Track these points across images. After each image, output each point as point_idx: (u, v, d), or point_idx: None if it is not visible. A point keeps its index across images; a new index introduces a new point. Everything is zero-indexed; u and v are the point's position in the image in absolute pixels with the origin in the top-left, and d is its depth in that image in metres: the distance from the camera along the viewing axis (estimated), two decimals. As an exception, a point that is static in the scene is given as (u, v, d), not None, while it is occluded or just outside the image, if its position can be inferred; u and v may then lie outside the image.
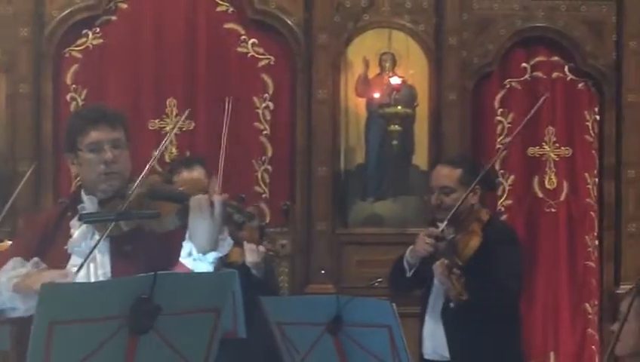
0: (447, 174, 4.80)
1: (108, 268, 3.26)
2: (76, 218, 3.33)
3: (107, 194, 3.32)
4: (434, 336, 4.75)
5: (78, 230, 3.32)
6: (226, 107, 5.24)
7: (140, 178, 3.25)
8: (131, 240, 3.25)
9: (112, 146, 3.34)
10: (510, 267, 4.68)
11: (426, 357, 4.81)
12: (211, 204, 3.08)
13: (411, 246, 4.76)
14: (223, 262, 4.70)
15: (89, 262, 3.17)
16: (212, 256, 3.09)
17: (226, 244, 3.18)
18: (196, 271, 3.02)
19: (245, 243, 4.82)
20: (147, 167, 3.28)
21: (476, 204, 4.80)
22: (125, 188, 3.30)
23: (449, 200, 4.72)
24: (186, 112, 5.68)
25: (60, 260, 3.28)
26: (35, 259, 3.27)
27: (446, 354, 4.70)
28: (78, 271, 3.11)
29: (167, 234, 3.21)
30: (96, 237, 3.22)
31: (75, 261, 3.25)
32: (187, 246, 3.08)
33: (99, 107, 3.60)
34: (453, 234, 4.65)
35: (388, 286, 5.04)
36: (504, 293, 4.63)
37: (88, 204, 3.35)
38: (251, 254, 4.79)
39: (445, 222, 4.63)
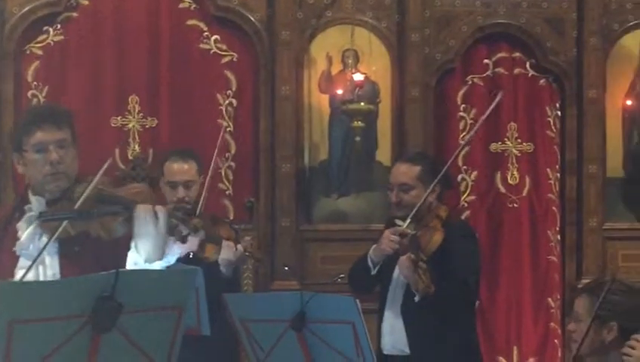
0: (405, 171, 4.81)
1: (57, 270, 3.24)
2: (23, 220, 3.30)
3: (54, 195, 3.30)
4: (393, 331, 4.77)
5: (25, 232, 3.30)
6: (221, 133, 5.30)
7: (92, 183, 3.23)
8: (79, 243, 3.23)
9: (57, 146, 3.32)
10: (468, 262, 4.73)
11: (385, 352, 4.82)
12: (155, 215, 3.09)
13: (374, 245, 4.77)
14: (197, 258, 4.74)
15: (38, 263, 3.15)
16: (158, 265, 3.09)
17: (171, 254, 3.18)
18: None
19: (224, 240, 4.84)
20: (99, 173, 3.26)
21: (434, 202, 4.83)
22: (73, 188, 3.28)
23: (408, 197, 4.75)
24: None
25: (8, 262, 3.26)
26: None
27: (406, 349, 4.72)
28: (26, 273, 3.09)
29: (115, 241, 3.20)
30: (44, 239, 3.20)
31: (23, 263, 3.23)
32: (132, 256, 3.08)
33: (45, 107, 3.56)
34: (414, 231, 4.67)
35: (349, 286, 5.05)
36: (464, 288, 4.66)
37: (36, 204, 3.33)
38: (227, 251, 4.81)
39: (409, 220, 4.66)
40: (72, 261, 3.22)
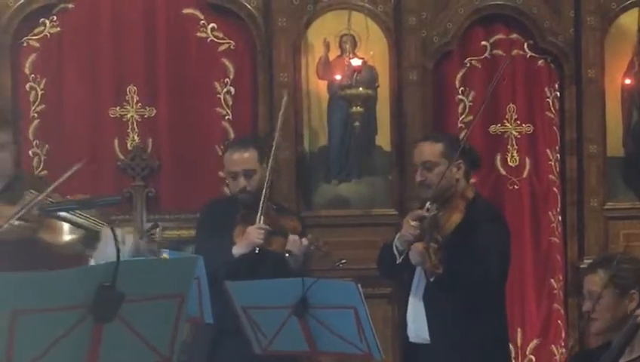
0: (428, 149, 4.74)
1: None
2: None
3: None
4: (416, 319, 4.71)
5: None
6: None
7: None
8: (17, 245, 3.22)
9: None
10: (492, 245, 4.60)
11: (411, 340, 4.77)
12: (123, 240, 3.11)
13: (399, 233, 4.70)
14: (263, 252, 4.74)
15: None
16: None
17: None
18: None
19: (290, 234, 4.82)
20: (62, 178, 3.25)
21: (461, 180, 4.76)
22: (13, 188, 3.28)
23: (432, 175, 4.67)
24: None
25: None
26: None
27: (428, 337, 4.67)
28: None
29: (64, 256, 3.20)
30: None
31: None
32: None
33: None
34: (436, 211, 4.61)
35: (378, 273, 5.01)
36: (483, 272, 4.54)
37: None
38: (292, 245, 4.79)
39: (429, 201, 4.59)
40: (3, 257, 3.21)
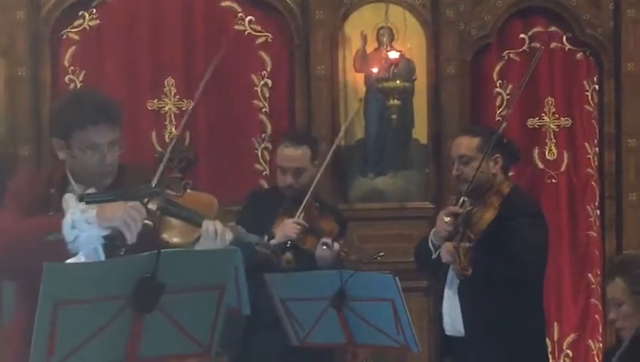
0: (465, 143, 4.75)
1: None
2: (71, 198, 3.31)
3: (99, 189, 3.33)
4: (451, 312, 4.71)
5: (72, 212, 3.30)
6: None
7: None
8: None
9: (110, 146, 3.32)
10: (528, 242, 4.57)
11: (447, 333, 4.77)
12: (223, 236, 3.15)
13: (434, 228, 4.70)
14: (295, 246, 4.75)
15: (87, 254, 3.17)
16: None
17: None
18: None
19: (324, 236, 4.82)
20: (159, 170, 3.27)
21: (499, 175, 4.74)
22: (121, 178, 3.31)
23: (468, 169, 4.67)
24: None
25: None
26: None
27: (462, 330, 4.66)
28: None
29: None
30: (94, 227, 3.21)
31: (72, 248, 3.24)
32: None
33: (100, 101, 3.47)
34: (469, 208, 4.60)
35: (415, 266, 5.01)
36: (517, 268, 4.52)
37: (78, 191, 3.35)
38: (322, 248, 4.76)
39: (464, 196, 4.59)
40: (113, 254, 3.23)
